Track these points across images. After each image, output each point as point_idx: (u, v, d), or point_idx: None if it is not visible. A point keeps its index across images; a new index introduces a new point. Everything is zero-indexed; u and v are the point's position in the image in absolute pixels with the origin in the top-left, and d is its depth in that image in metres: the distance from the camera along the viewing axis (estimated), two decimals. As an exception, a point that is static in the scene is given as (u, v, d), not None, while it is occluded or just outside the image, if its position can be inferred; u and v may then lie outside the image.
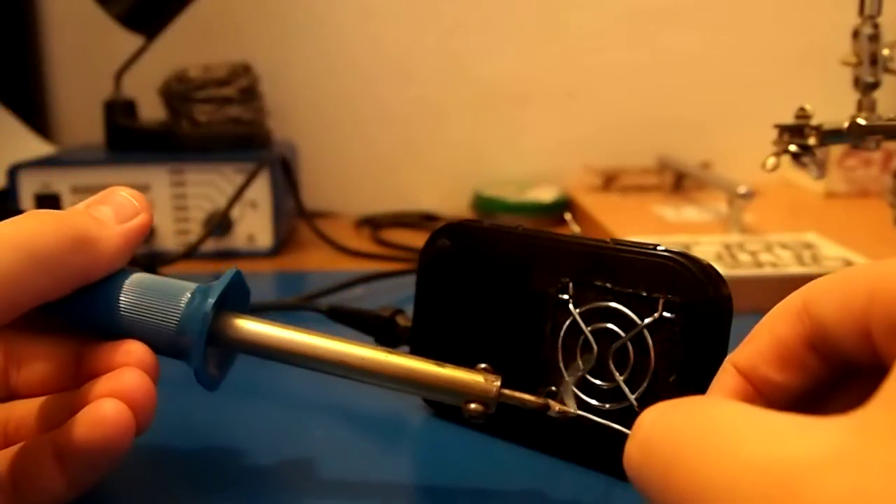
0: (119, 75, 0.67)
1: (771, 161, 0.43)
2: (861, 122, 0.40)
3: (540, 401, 0.27)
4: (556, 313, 0.30)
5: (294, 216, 0.70)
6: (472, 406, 0.27)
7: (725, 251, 0.53)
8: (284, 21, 0.80)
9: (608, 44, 0.81)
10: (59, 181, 0.61)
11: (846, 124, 0.41)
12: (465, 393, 0.27)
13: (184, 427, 0.33)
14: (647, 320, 0.28)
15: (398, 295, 0.52)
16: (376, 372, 0.27)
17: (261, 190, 0.62)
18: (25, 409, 0.27)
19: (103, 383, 0.25)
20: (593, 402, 0.29)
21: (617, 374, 0.28)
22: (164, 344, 0.27)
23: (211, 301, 0.26)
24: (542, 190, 0.77)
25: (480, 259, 0.32)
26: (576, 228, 0.35)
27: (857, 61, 0.42)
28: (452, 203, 0.82)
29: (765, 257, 0.51)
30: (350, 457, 0.31)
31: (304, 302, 0.47)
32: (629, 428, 0.20)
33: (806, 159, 0.42)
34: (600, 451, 0.29)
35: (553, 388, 0.29)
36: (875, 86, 0.42)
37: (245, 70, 0.67)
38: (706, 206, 0.69)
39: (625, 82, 0.82)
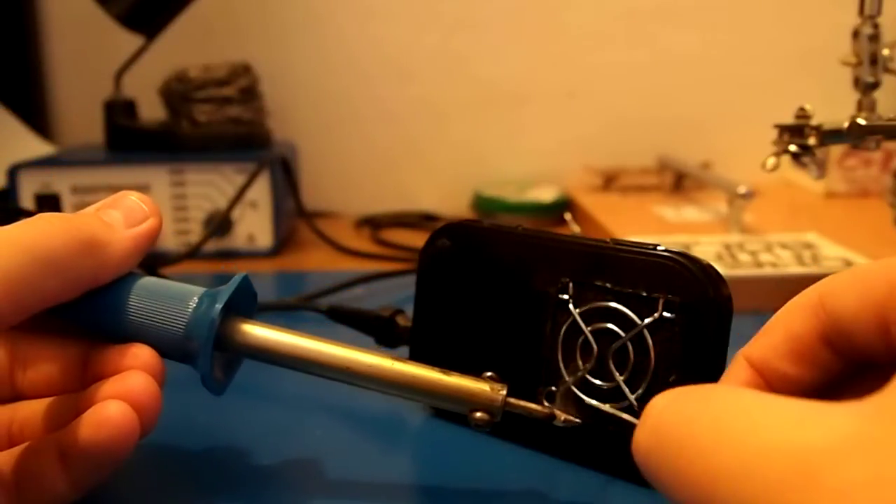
0: (119, 75, 0.67)
1: (771, 161, 0.43)
2: (861, 122, 0.40)
3: (546, 410, 0.27)
4: (556, 313, 0.30)
5: (294, 216, 0.70)
6: (478, 415, 0.27)
7: (725, 251, 0.53)
8: (284, 21, 0.80)
9: (608, 44, 0.81)
10: (59, 181, 0.61)
11: (846, 124, 0.41)
12: (471, 402, 0.27)
13: (185, 427, 0.33)
14: (647, 320, 0.28)
15: (398, 295, 0.52)
16: (382, 379, 0.27)
17: (261, 190, 0.62)
18: (30, 410, 0.27)
19: (109, 385, 0.25)
20: (593, 402, 0.29)
21: (617, 374, 0.28)
22: (171, 348, 0.27)
23: (218, 306, 0.26)
24: (542, 190, 0.77)
25: (480, 259, 0.32)
26: (576, 228, 0.35)
27: (857, 61, 0.42)
28: (452, 203, 0.82)
29: (765, 257, 0.51)
30: (350, 457, 0.31)
31: (304, 302, 0.47)
32: (631, 428, 0.20)
33: (806, 159, 0.42)
34: (600, 451, 0.29)
35: (553, 389, 0.30)
36: (875, 86, 0.42)
37: (245, 70, 0.67)
38: (706, 206, 0.69)
39: (625, 82, 0.82)
